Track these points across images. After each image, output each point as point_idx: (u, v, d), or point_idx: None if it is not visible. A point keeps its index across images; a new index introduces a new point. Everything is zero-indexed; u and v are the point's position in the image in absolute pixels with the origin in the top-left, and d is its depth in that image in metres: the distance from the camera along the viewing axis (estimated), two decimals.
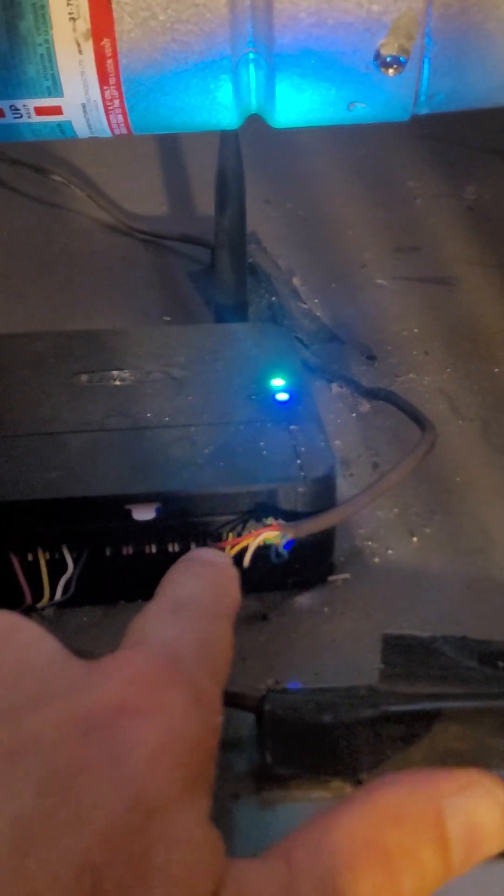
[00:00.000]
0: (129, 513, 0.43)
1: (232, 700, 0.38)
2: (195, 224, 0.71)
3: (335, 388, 0.56)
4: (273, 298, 0.62)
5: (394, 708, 0.37)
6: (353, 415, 0.54)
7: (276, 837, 0.35)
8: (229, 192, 0.58)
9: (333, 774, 0.37)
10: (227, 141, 0.59)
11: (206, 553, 0.36)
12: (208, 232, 0.68)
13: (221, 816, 0.35)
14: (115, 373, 0.50)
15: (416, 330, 0.61)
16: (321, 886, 0.25)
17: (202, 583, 0.34)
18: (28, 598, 0.43)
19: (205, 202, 0.73)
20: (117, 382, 0.49)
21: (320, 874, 0.26)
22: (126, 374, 0.50)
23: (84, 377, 0.49)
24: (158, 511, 0.43)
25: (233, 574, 0.35)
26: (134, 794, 0.24)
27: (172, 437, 0.45)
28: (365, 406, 0.55)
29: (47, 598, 0.43)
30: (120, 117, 0.44)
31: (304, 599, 0.44)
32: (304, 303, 0.63)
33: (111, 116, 0.44)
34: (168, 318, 0.63)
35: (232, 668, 0.41)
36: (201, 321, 0.62)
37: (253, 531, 0.42)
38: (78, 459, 0.44)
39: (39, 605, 0.42)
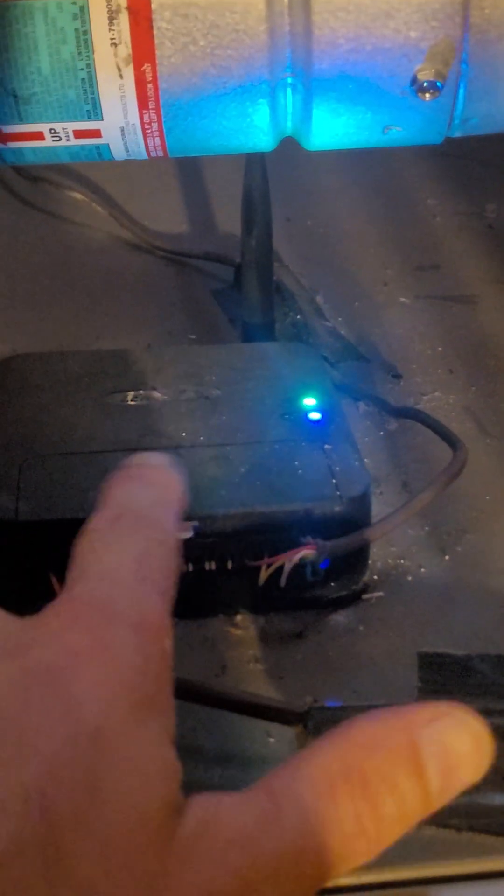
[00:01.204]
0: None
1: (274, 716, 0.38)
2: (217, 242, 0.72)
3: (362, 406, 0.56)
4: (298, 317, 0.63)
5: None
6: (381, 433, 0.55)
7: None
8: (256, 212, 0.59)
9: None
10: (254, 162, 0.60)
11: (147, 456, 0.35)
12: (230, 250, 0.69)
13: None
14: (148, 392, 0.50)
15: (439, 348, 0.61)
16: (302, 814, 0.25)
17: (142, 488, 0.33)
18: None
19: (226, 219, 0.74)
20: (151, 402, 0.49)
21: (301, 803, 0.26)
22: (159, 393, 0.50)
23: (118, 396, 0.50)
24: (196, 529, 0.43)
25: (175, 477, 0.34)
26: (76, 721, 0.24)
27: (208, 456, 0.46)
28: (392, 424, 0.55)
29: None
30: (157, 140, 0.45)
31: (339, 617, 0.45)
32: (328, 321, 0.64)
33: (149, 140, 0.44)
34: (193, 337, 0.63)
35: (270, 685, 0.41)
36: (226, 339, 0.63)
37: (290, 550, 0.43)
38: None
39: None
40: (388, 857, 0.36)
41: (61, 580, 0.44)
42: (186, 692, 0.39)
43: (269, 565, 0.43)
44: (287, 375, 0.51)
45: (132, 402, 0.49)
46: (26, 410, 0.49)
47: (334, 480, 0.45)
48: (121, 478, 0.34)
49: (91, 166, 0.75)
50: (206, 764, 0.39)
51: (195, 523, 0.43)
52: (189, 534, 0.43)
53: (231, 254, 0.69)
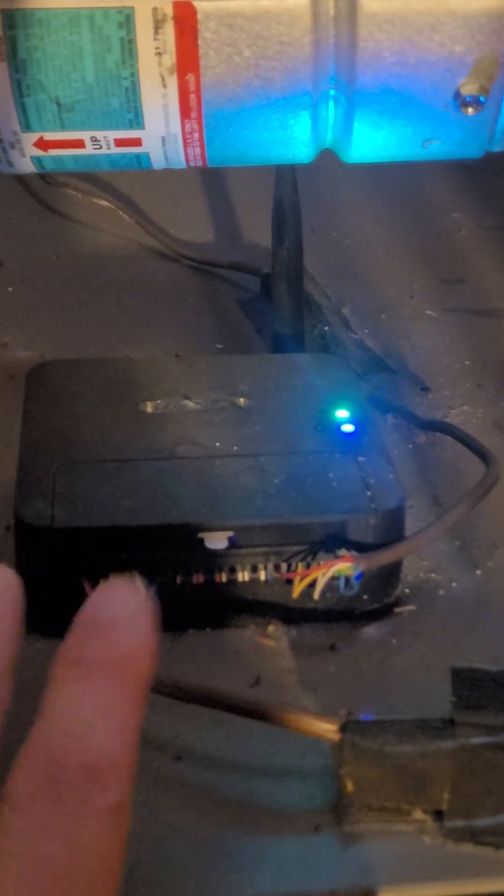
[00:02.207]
0: (201, 541, 0.43)
1: (310, 728, 0.38)
2: (243, 251, 0.72)
3: (390, 418, 0.56)
4: (325, 328, 0.62)
5: (475, 740, 0.37)
6: (410, 446, 0.55)
7: (357, 870, 0.35)
8: (287, 223, 0.59)
9: (414, 805, 0.37)
10: (284, 173, 0.60)
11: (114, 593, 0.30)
12: (257, 259, 0.69)
13: (302, 848, 0.35)
14: (181, 401, 0.50)
15: (467, 362, 0.61)
16: None
17: (96, 706, 0.26)
18: None
19: (252, 229, 0.74)
20: (184, 410, 0.49)
21: None
22: (191, 403, 0.50)
23: (151, 404, 0.50)
24: (231, 540, 0.43)
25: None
26: None
27: (243, 466, 0.46)
28: (421, 437, 0.55)
29: None
30: (198, 150, 0.45)
31: (371, 630, 0.45)
32: (355, 333, 0.64)
33: (189, 149, 0.45)
34: (220, 346, 0.63)
35: (304, 697, 0.41)
36: (253, 349, 0.63)
37: (325, 562, 0.43)
38: (150, 487, 0.45)
39: None
40: (425, 875, 0.36)
41: (94, 586, 0.44)
42: (220, 702, 0.39)
43: (302, 577, 0.43)
44: (320, 387, 0.51)
45: (166, 411, 0.49)
46: (59, 418, 0.49)
47: (369, 493, 0.44)
48: (74, 678, 0.27)
49: (117, 173, 0.75)
50: (240, 777, 0.39)
51: (230, 534, 0.43)
52: (223, 544, 0.43)
53: (257, 263, 0.69)
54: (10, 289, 0.68)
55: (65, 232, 0.74)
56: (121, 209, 0.75)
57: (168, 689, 0.39)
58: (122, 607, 0.29)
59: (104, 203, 0.76)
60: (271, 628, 0.45)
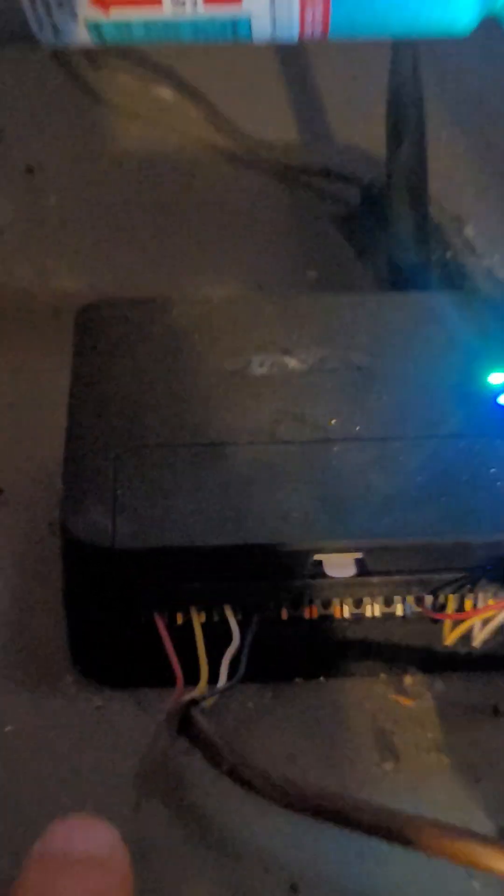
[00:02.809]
0: (318, 566, 0.31)
1: (483, 862, 0.26)
2: (337, 155, 0.58)
3: None
4: (447, 254, 0.50)
5: None
6: None
7: None
8: (407, 118, 0.46)
9: None
10: (403, 54, 0.46)
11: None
12: (355, 165, 0.56)
13: None
14: (278, 359, 0.37)
15: None
16: None
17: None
18: (179, 682, 0.31)
19: (348, 126, 0.60)
20: (283, 371, 0.37)
21: None
22: (293, 360, 0.37)
23: (239, 361, 0.37)
24: (359, 567, 0.31)
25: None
26: None
27: (369, 456, 0.34)
28: None
29: (205, 681, 0.31)
30: (319, 12, 0.32)
31: None
32: (482, 259, 0.51)
33: (308, 12, 0.31)
34: (313, 273, 0.51)
35: (460, 791, 0.29)
36: (355, 281, 0.50)
37: (497, 600, 0.31)
38: (245, 486, 0.32)
39: (196, 695, 0.31)
40: None
41: (172, 624, 0.32)
42: (344, 816, 0.27)
43: (456, 624, 0.31)
44: (469, 340, 0.38)
45: (258, 373, 0.37)
46: (117, 381, 0.36)
47: None
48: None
49: (182, 55, 0.62)
50: None
51: (358, 556, 0.30)
52: (349, 572, 0.31)
53: (356, 170, 0.55)
54: (50, 200, 0.55)
55: (117, 129, 0.60)
56: (187, 101, 0.61)
57: (275, 793, 0.27)
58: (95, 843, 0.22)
59: (166, 93, 0.62)
60: (409, 680, 0.33)
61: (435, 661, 0.33)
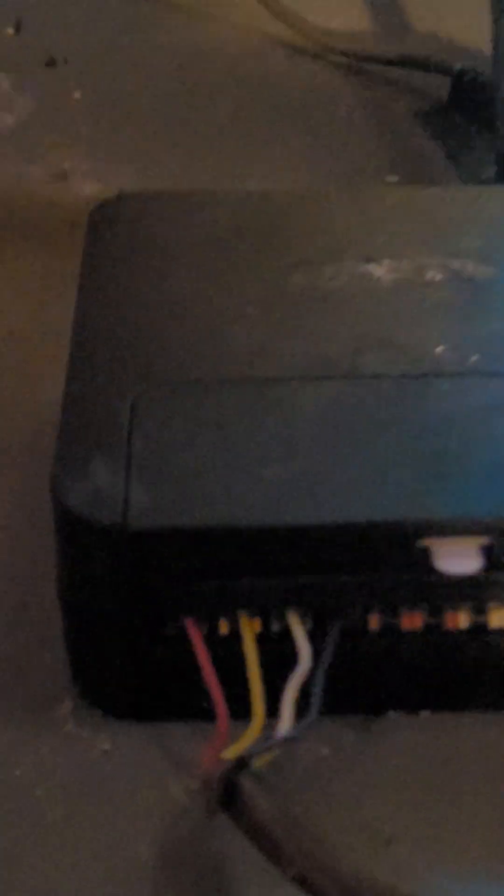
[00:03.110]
0: (425, 556, 0.21)
1: None
2: (418, 41, 0.49)
3: None
4: None
5: None
6: None
7: None
8: None
9: None
10: None
11: None
12: (441, 51, 0.47)
13: None
14: (358, 268, 0.27)
15: None
16: None
17: None
18: (222, 719, 0.21)
19: (427, 13, 0.50)
20: (367, 285, 0.27)
21: None
22: (379, 269, 0.27)
23: (302, 274, 0.27)
24: (488, 554, 0.21)
25: None
26: None
27: (494, 398, 0.23)
28: None
29: (261, 722, 0.21)
30: None
31: None
32: None
33: None
34: (395, 179, 0.41)
35: None
36: (446, 182, 0.40)
37: None
38: (315, 440, 0.23)
39: (248, 746, 0.21)
40: None
41: (212, 636, 0.22)
42: None
43: None
44: None
45: (333, 286, 0.27)
46: (139, 297, 0.27)
47: None
48: None
49: None
50: None
51: (484, 541, 0.21)
52: (472, 564, 0.21)
53: (443, 57, 0.46)
54: (75, 94, 0.46)
55: (153, 13, 0.51)
56: None
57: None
58: None
59: None
60: None
61: None
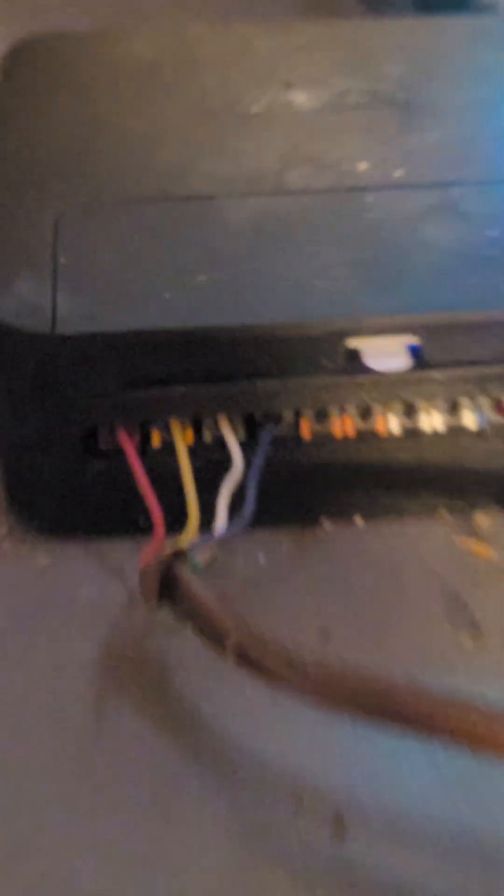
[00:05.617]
0: (354, 356, 0.21)
1: None
2: None
3: None
4: None
5: None
6: None
7: None
8: None
9: None
10: None
11: None
12: None
13: None
14: (280, 95, 0.27)
15: None
16: None
17: None
18: (158, 526, 0.21)
19: None
20: (291, 109, 0.27)
21: None
22: (302, 95, 0.27)
23: (224, 99, 0.27)
24: (415, 353, 0.21)
25: None
26: None
27: (418, 206, 0.24)
28: None
29: (195, 526, 0.22)
30: None
31: None
32: None
33: None
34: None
35: None
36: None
37: None
38: (243, 249, 0.22)
39: (183, 545, 0.21)
40: None
41: (146, 447, 0.22)
42: (392, 708, 0.18)
43: None
44: None
45: (254, 110, 0.27)
46: (61, 123, 0.27)
47: None
48: None
49: None
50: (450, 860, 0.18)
51: (411, 341, 0.21)
52: (398, 361, 0.21)
53: None
54: None
55: None
56: None
57: (300, 679, 0.18)
58: None
59: None
60: (482, 519, 0.24)
61: None
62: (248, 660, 0.18)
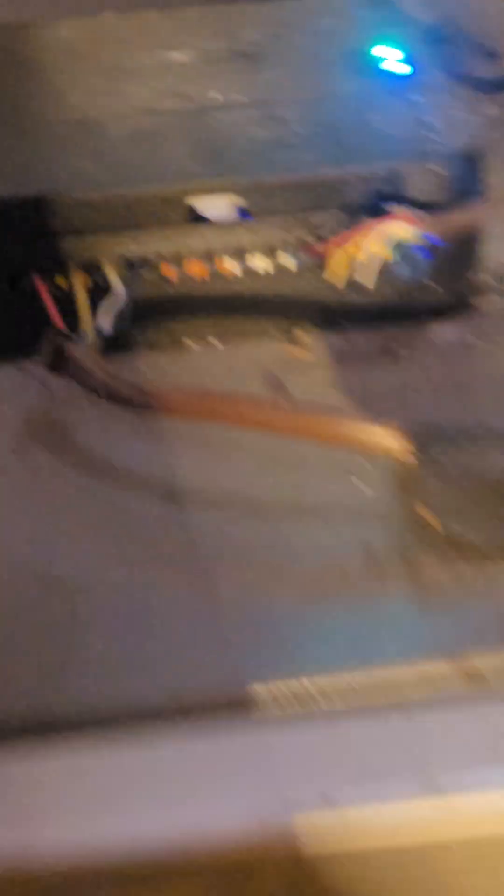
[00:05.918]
0: (192, 212, 0.30)
1: (366, 439, 0.26)
2: None
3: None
4: None
5: None
6: (482, 120, 0.41)
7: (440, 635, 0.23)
8: None
9: None
10: None
11: None
12: None
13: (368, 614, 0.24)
14: (163, 54, 0.36)
15: None
16: None
17: None
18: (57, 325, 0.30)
19: None
20: (167, 64, 0.36)
21: None
22: (178, 54, 0.36)
23: (120, 61, 0.36)
24: (242, 214, 0.30)
25: None
26: None
27: (251, 117, 0.33)
28: (492, 109, 0.41)
29: (87, 325, 0.30)
30: None
31: (444, 331, 0.32)
32: None
33: None
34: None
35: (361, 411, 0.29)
36: None
37: (373, 221, 0.30)
38: (122, 148, 0.32)
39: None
40: None
41: (57, 292, 0.31)
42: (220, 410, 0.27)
43: (338, 246, 0.30)
44: (356, 26, 0.37)
45: (138, 64, 0.36)
46: None
47: (431, 135, 0.31)
48: None
49: None
50: (256, 524, 0.27)
51: (237, 201, 0.30)
52: (227, 212, 0.30)
53: None
54: None
55: None
56: None
57: (148, 401, 0.27)
58: None
59: None
60: (302, 335, 0.32)
61: (330, 315, 0.32)
62: (115, 395, 0.27)
